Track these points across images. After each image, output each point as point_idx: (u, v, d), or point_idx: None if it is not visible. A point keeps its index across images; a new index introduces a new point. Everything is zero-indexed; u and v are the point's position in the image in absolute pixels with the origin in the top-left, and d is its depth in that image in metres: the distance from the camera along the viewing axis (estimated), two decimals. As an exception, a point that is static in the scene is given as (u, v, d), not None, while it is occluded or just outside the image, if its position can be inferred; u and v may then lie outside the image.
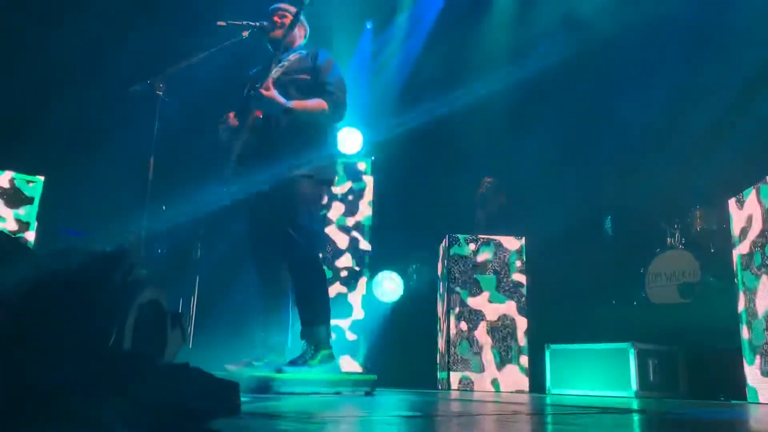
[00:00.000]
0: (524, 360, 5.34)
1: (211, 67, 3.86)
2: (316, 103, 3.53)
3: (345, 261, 6.13)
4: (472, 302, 5.47)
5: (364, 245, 6.18)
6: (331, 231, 6.17)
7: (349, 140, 6.37)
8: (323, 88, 3.58)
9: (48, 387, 0.98)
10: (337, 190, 6.28)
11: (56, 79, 5.49)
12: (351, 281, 6.09)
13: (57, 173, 5.58)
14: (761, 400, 3.96)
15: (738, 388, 4.24)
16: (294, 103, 3.49)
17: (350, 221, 6.24)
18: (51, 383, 0.98)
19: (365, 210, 6.29)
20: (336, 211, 6.24)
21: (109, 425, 0.80)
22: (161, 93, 3.37)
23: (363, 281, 6.11)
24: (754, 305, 4.10)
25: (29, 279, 1.47)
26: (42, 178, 5.56)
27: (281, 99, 3.46)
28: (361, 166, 6.38)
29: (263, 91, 3.42)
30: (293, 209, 3.47)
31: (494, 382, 5.27)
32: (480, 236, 5.72)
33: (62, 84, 5.52)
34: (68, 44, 5.46)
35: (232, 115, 3.65)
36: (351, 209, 6.27)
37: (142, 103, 3.54)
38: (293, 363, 3.40)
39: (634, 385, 4.59)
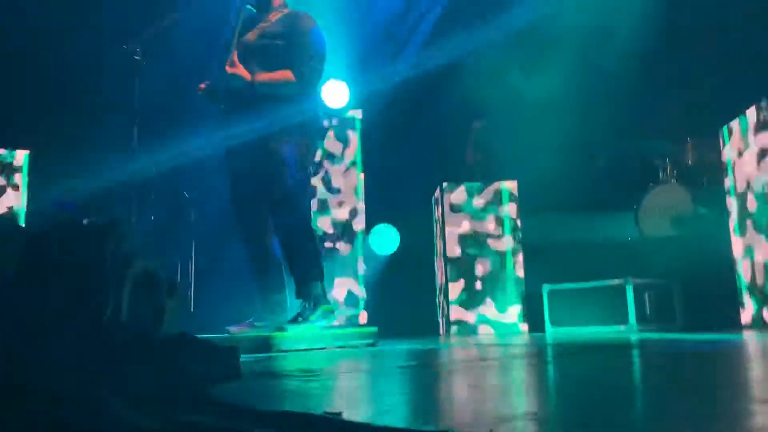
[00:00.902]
0: (522, 301, 5.41)
1: (190, 29, 3.78)
2: (281, 75, 3.42)
3: (340, 216, 6.13)
4: (469, 248, 5.51)
5: (358, 200, 6.17)
6: (321, 188, 6.15)
7: (336, 94, 6.28)
8: (294, 57, 3.46)
9: (45, 364, 0.98)
10: (327, 145, 6.23)
11: (29, 52, 5.36)
12: (346, 237, 6.10)
13: (42, 146, 5.51)
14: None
15: (733, 316, 4.32)
16: (258, 77, 3.39)
17: (342, 177, 6.21)
18: (47, 360, 0.99)
19: (357, 164, 6.26)
20: (326, 166, 6.20)
21: (109, 399, 0.81)
22: (139, 58, 3.30)
23: (359, 235, 6.13)
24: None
25: (21, 257, 1.47)
26: (27, 152, 5.50)
27: (246, 73, 3.37)
28: (350, 120, 6.32)
29: (227, 68, 3.35)
30: (274, 168, 3.43)
31: (494, 325, 5.35)
32: (473, 181, 5.72)
33: (36, 55, 5.39)
34: (38, 14, 5.32)
35: (202, 86, 3.57)
36: (341, 164, 6.24)
37: (122, 69, 3.48)
38: (294, 321, 3.42)
39: (631, 319, 4.67)
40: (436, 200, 6.00)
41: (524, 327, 5.35)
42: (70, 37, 5.34)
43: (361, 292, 6.00)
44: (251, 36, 3.55)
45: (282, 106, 3.46)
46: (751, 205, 4.13)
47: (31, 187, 5.55)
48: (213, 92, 3.53)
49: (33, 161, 5.55)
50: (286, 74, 3.43)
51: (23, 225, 5.23)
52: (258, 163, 3.46)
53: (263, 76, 3.42)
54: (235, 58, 3.38)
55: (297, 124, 3.51)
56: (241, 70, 3.37)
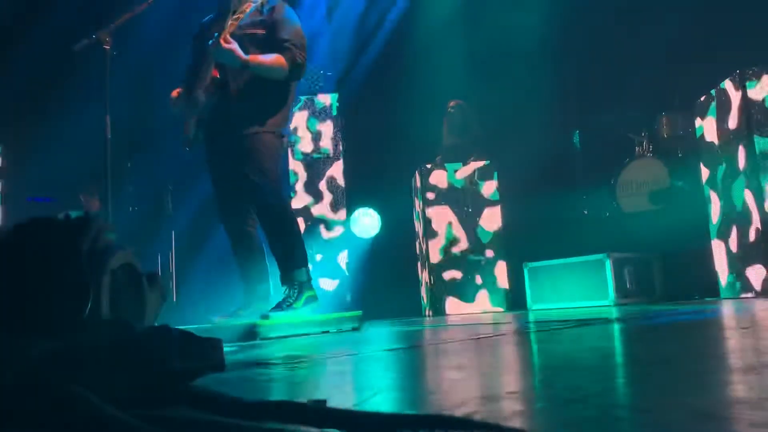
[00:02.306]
0: (504, 280, 5.46)
1: (159, 16, 3.71)
2: (274, 60, 3.38)
3: (321, 203, 6.11)
4: (450, 228, 5.53)
5: (338, 184, 6.16)
6: (301, 172, 6.12)
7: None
8: (281, 44, 3.42)
9: (24, 364, 0.97)
10: (306, 130, 6.18)
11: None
12: (328, 222, 6.09)
13: (13, 140, 5.41)
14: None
15: (711, 286, 4.40)
16: (252, 58, 3.34)
17: (321, 162, 6.19)
18: (27, 360, 0.97)
19: (335, 148, 6.23)
20: (305, 149, 6.17)
21: (90, 397, 0.80)
22: (109, 47, 3.24)
23: (341, 220, 6.12)
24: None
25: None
26: (-1, 147, 5.40)
27: (240, 52, 3.29)
28: (327, 102, 6.27)
29: (223, 43, 3.25)
30: (255, 159, 3.43)
31: (477, 304, 5.40)
32: (452, 162, 5.73)
33: (3, 46, 5.28)
34: (5, 4, 5.20)
35: (175, 93, 3.54)
36: (320, 148, 6.20)
37: (92, 60, 3.41)
38: (278, 308, 3.42)
39: (611, 294, 4.73)
40: (416, 182, 6.01)
41: (506, 305, 5.40)
42: (39, 27, 5.23)
43: (344, 274, 6.01)
44: (229, 27, 3.47)
45: (262, 104, 3.46)
46: (724, 177, 4.19)
47: (3, 182, 5.46)
48: (190, 97, 3.48)
49: (5, 156, 5.46)
50: (279, 59, 3.39)
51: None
52: (239, 156, 3.45)
53: (257, 58, 3.37)
54: (228, 35, 3.29)
55: (274, 120, 3.49)
56: (235, 48, 3.29)
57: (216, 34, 3.32)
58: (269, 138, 3.50)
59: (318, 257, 5.85)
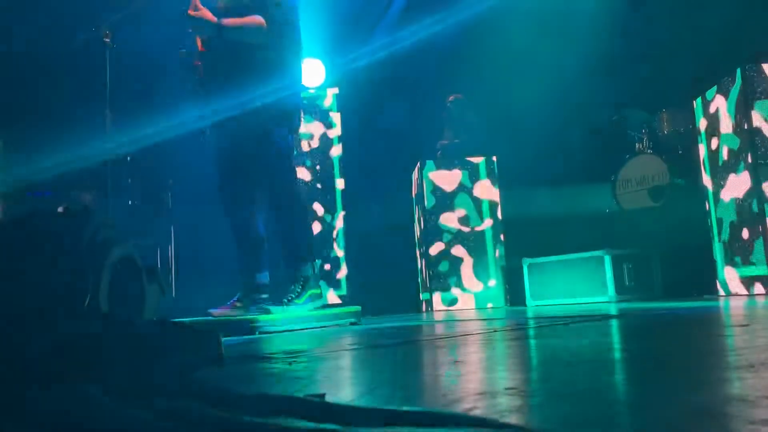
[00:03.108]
0: (503, 275, 5.46)
1: (159, 9, 3.69)
2: (251, 19, 3.24)
3: (318, 194, 6.11)
4: (448, 224, 5.53)
5: (337, 180, 6.15)
6: (301, 168, 6.12)
7: (311, 72, 6.21)
8: (258, 4, 3.29)
9: (25, 356, 0.97)
10: (305, 124, 6.17)
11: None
12: (327, 217, 6.09)
13: (12, 135, 5.40)
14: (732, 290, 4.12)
15: (710, 283, 4.40)
16: (225, 21, 3.21)
17: (320, 155, 6.18)
18: (27, 352, 0.97)
19: (335, 144, 6.23)
20: (305, 144, 6.16)
21: (90, 390, 0.80)
22: (108, 40, 3.23)
23: (340, 216, 6.12)
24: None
25: (-5, 248, 1.44)
26: (-2, 141, 5.39)
27: (211, 16, 3.17)
28: (327, 100, 6.26)
29: (191, 12, 3.14)
30: (261, 147, 3.34)
31: (475, 299, 5.40)
32: (452, 158, 5.73)
33: (3, 39, 5.26)
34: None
35: (183, 52, 3.45)
36: (320, 144, 6.20)
37: (91, 53, 3.41)
38: (279, 303, 3.41)
39: (611, 290, 4.73)
40: (415, 177, 6.00)
41: (504, 300, 5.40)
42: (39, 19, 5.21)
43: (341, 270, 6.01)
44: (220, 4, 3.37)
45: (259, 61, 3.31)
46: (724, 173, 4.18)
47: (2, 174, 5.45)
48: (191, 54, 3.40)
49: (4, 148, 5.44)
50: (255, 19, 3.26)
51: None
52: (248, 144, 3.39)
53: (231, 21, 3.23)
54: (198, 2, 3.16)
55: (288, 105, 3.39)
56: (205, 13, 3.17)
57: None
58: (287, 130, 3.41)
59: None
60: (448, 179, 5.62)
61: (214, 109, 3.33)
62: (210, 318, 3.32)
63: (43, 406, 0.81)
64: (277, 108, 3.39)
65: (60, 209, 1.71)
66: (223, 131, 3.44)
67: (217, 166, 3.59)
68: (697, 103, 4.56)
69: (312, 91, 6.21)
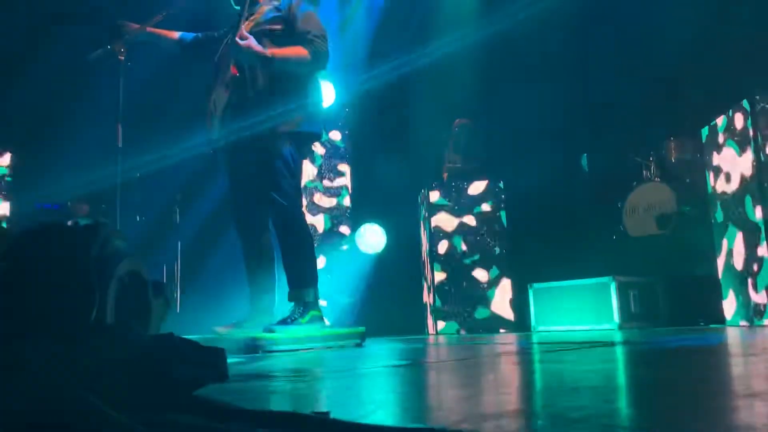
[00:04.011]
0: (509, 300, 5.44)
1: (174, 27, 3.74)
2: (296, 51, 3.32)
3: (324, 218, 6.13)
4: (455, 246, 5.53)
5: (345, 200, 6.18)
6: (310, 189, 6.15)
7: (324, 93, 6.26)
8: (303, 36, 3.36)
9: (30, 368, 0.97)
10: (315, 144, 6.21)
11: (11, 51, 5.30)
12: (334, 237, 6.10)
13: (25, 148, 5.45)
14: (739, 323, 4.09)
15: (716, 313, 4.37)
16: (273, 51, 3.28)
17: (329, 176, 6.21)
18: (33, 364, 0.98)
19: (343, 165, 6.26)
20: (314, 168, 6.19)
21: (94, 400, 0.81)
22: (123, 58, 3.28)
23: (346, 235, 6.13)
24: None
25: (3, 258, 1.45)
26: (9, 153, 5.44)
27: (259, 47, 3.24)
28: (336, 118, 6.31)
29: (239, 41, 3.19)
30: (275, 171, 3.37)
31: (480, 324, 5.38)
32: (459, 182, 5.74)
33: (18, 55, 5.33)
34: (22, 14, 5.26)
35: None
36: (328, 164, 6.23)
37: (106, 70, 3.45)
38: (282, 322, 3.39)
39: (616, 317, 4.71)
40: (422, 199, 6.01)
41: (511, 325, 5.37)
42: (53, 36, 5.29)
43: (348, 294, 6.01)
44: (245, 26, 3.39)
45: (282, 101, 3.35)
46: (732, 202, 4.18)
47: (14, 188, 5.49)
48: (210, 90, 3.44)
49: (16, 163, 5.49)
50: (299, 50, 3.33)
51: (6, 226, 5.18)
52: (258, 162, 3.40)
53: (280, 51, 3.30)
54: (245, 32, 3.23)
55: (298, 119, 3.41)
56: (255, 44, 3.23)
57: (230, 35, 3.28)
58: (293, 141, 3.43)
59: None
60: (455, 201, 5.64)
61: (234, 129, 3.36)
62: (214, 335, 3.32)
63: (43, 418, 0.81)
64: (300, 131, 3.43)
65: (69, 222, 1.73)
66: (242, 154, 3.47)
67: (230, 186, 3.61)
68: (704, 132, 4.57)
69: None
